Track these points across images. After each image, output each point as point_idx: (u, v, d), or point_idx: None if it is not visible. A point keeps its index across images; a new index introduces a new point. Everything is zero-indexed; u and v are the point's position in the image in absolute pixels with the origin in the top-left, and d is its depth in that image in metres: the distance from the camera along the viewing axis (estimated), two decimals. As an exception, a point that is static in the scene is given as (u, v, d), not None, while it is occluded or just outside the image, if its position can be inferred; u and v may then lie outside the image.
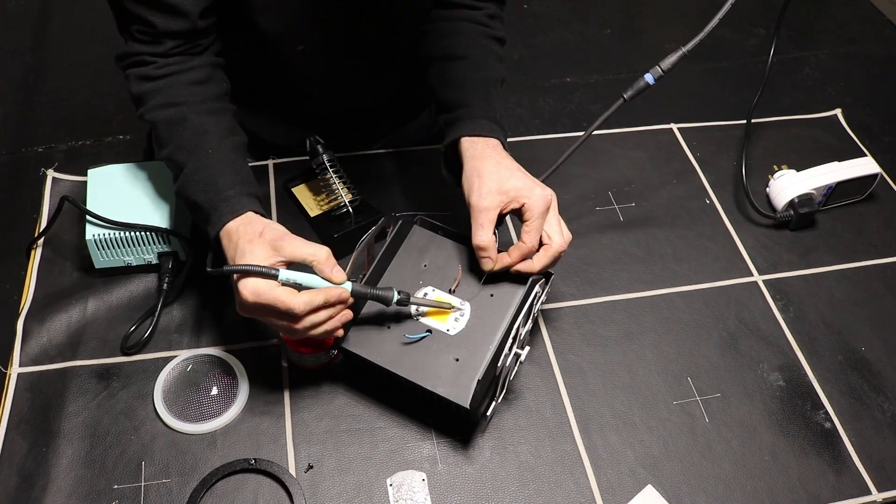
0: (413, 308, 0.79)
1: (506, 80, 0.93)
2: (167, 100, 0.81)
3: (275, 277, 0.70)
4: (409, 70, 1.02)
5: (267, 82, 0.99)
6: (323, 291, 0.71)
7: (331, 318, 0.72)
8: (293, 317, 0.69)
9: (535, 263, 0.78)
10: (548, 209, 0.78)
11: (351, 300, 0.73)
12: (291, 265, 0.72)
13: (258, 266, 0.70)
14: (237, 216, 0.75)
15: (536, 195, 0.77)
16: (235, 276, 0.70)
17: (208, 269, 0.74)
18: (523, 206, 0.77)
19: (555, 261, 0.78)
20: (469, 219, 0.78)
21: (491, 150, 0.81)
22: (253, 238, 0.72)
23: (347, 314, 0.73)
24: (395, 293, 0.74)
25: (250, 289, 0.69)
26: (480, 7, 0.95)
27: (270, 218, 0.97)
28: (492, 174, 0.78)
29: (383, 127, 1.13)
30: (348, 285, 0.73)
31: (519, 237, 0.78)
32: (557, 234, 0.78)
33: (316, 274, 0.72)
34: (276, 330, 0.74)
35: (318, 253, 0.71)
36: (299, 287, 0.71)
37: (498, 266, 0.78)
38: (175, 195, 0.83)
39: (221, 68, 0.87)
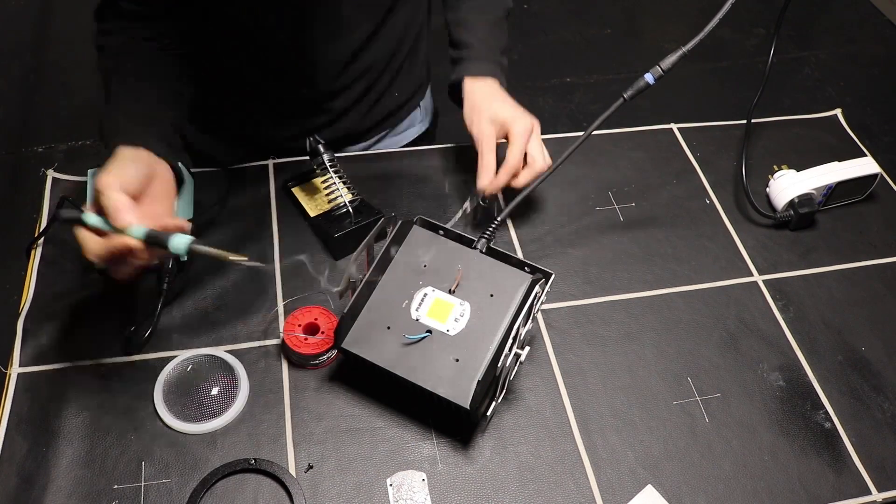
0: (415, 304, 0.79)
1: (511, 9, 1.05)
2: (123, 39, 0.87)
3: (80, 221, 0.71)
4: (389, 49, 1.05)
5: (247, 71, 1.00)
6: (105, 243, 0.69)
7: (137, 264, 0.71)
8: (96, 254, 0.70)
9: (520, 179, 0.90)
10: (530, 134, 0.90)
11: (138, 245, 0.70)
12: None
13: (68, 211, 0.71)
14: (131, 144, 0.75)
15: (519, 121, 0.90)
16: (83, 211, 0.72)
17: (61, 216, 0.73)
18: (509, 132, 0.90)
19: (535, 178, 0.89)
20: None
21: (487, 89, 0.95)
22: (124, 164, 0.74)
23: (143, 256, 0.71)
24: (181, 239, 0.71)
25: (75, 234, 0.71)
26: None
27: (269, 214, 0.97)
28: (486, 109, 0.93)
29: (375, 116, 1.13)
30: (138, 230, 0.69)
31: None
32: (539, 156, 0.90)
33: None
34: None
35: (106, 200, 0.69)
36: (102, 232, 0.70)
37: (490, 188, 0.90)
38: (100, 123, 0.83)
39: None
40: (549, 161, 0.91)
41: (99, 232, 0.70)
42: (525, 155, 0.91)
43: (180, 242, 0.71)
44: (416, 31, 1.08)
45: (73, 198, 0.90)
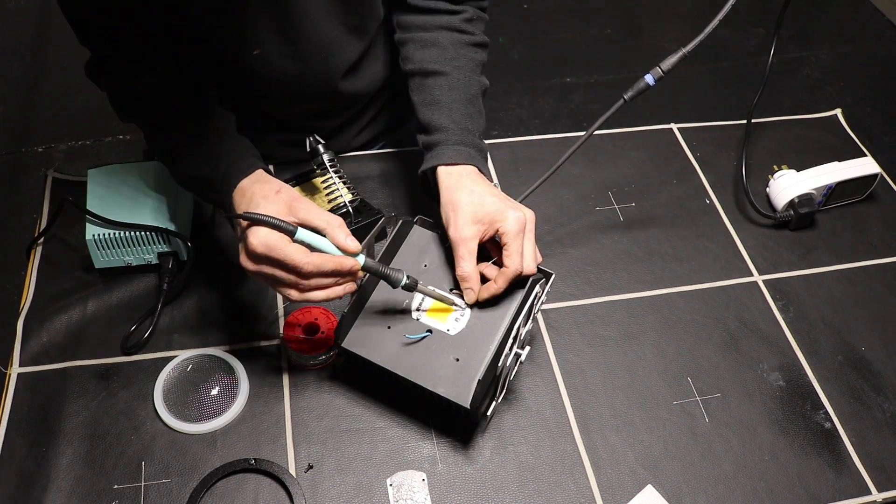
0: (415, 304, 0.79)
1: (488, 87, 0.93)
2: (140, 95, 0.84)
3: (291, 234, 0.69)
4: (375, 68, 1.01)
5: (237, 96, 0.96)
6: (335, 259, 0.70)
7: (336, 285, 0.72)
8: (299, 274, 0.69)
9: (499, 284, 0.76)
10: (523, 230, 0.76)
11: (360, 273, 0.72)
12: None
13: (278, 219, 0.69)
14: (248, 174, 0.75)
15: (510, 218, 0.76)
16: (246, 223, 0.70)
17: (225, 215, 0.73)
18: (498, 230, 0.77)
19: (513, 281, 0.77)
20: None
21: (465, 179, 0.81)
22: (269, 194, 0.72)
23: (351, 286, 0.73)
24: (405, 277, 0.74)
25: (261, 239, 0.68)
26: (458, 11, 0.93)
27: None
28: (466, 204, 0.78)
29: (368, 130, 1.11)
30: (361, 258, 0.72)
31: (501, 262, 0.77)
32: (531, 258, 0.77)
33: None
34: (272, 287, 0.73)
35: (332, 220, 0.71)
36: (311, 249, 0.71)
37: (484, 295, 0.77)
38: (177, 181, 0.84)
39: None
40: (539, 260, 0.79)
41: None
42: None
43: (404, 281, 0.74)
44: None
45: (73, 198, 0.90)
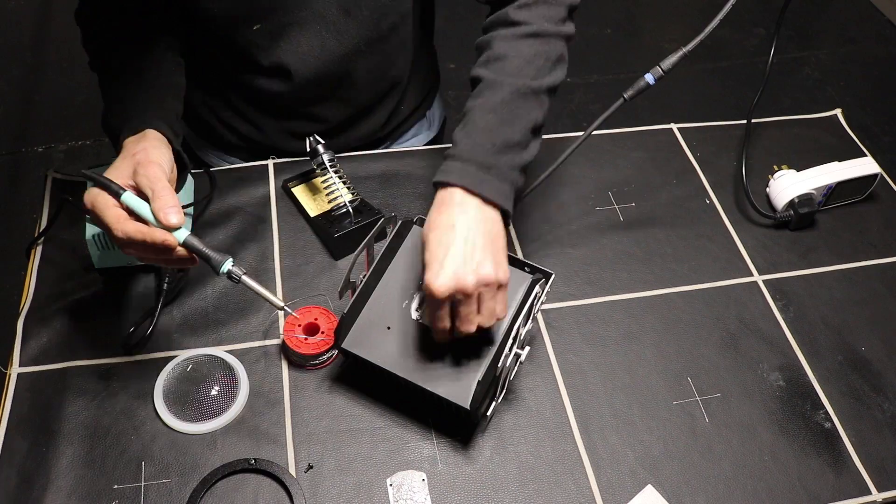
0: (415, 304, 0.79)
1: (533, 86, 0.77)
2: (110, 44, 0.85)
3: (117, 195, 0.70)
4: (381, 53, 0.98)
5: (240, 74, 0.97)
6: (144, 230, 0.69)
7: (157, 258, 0.71)
8: (115, 240, 0.70)
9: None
10: (433, 301, 0.70)
11: (181, 250, 0.70)
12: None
13: (107, 179, 0.70)
14: (135, 133, 0.75)
15: (426, 282, 0.69)
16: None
17: (81, 171, 0.74)
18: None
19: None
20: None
21: (438, 205, 0.73)
22: (127, 155, 0.73)
23: (181, 255, 0.71)
24: (230, 264, 0.71)
25: (91, 197, 0.70)
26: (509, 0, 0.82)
27: (269, 214, 0.97)
28: (423, 237, 0.72)
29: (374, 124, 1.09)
30: (182, 234, 0.70)
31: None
32: (459, 322, 0.71)
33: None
34: None
35: (160, 190, 0.69)
36: (139, 218, 0.70)
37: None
38: (102, 127, 0.84)
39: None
40: (478, 324, 0.72)
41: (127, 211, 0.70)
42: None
43: (226, 266, 0.72)
44: (414, 43, 1.02)
45: (73, 198, 0.90)
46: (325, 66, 0.95)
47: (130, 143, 0.75)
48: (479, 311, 0.72)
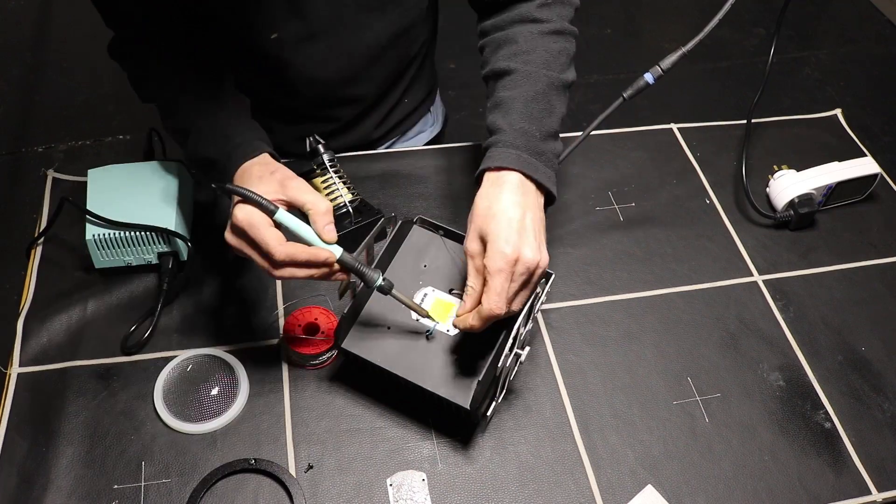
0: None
1: (568, 81, 0.83)
2: (160, 76, 0.86)
3: (272, 213, 0.69)
4: (394, 60, 1.01)
5: (255, 80, 0.98)
6: (308, 251, 0.69)
7: (311, 277, 0.70)
8: (272, 261, 0.68)
9: (471, 322, 0.71)
10: (508, 269, 0.69)
11: (336, 266, 0.71)
12: (293, 212, 0.71)
13: (260, 196, 0.69)
14: (251, 157, 0.76)
15: (494, 253, 0.69)
16: (235, 198, 0.70)
17: (213, 185, 0.72)
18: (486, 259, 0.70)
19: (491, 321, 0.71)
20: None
21: (494, 188, 0.74)
22: (264, 174, 0.73)
23: (333, 270, 0.71)
24: (381, 278, 0.72)
25: (244, 215, 0.68)
26: None
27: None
28: (477, 217, 0.73)
29: (382, 127, 1.12)
30: (337, 250, 0.70)
31: None
32: (502, 300, 0.69)
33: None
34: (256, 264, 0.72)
35: (318, 203, 0.70)
36: (290, 234, 0.70)
37: (465, 323, 0.71)
38: (187, 162, 0.85)
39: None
40: (517, 307, 0.72)
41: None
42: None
43: (379, 280, 0.72)
44: (424, 37, 1.06)
45: (73, 198, 0.90)
46: (341, 71, 0.97)
47: (254, 166, 0.74)
48: (521, 293, 0.73)
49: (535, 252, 0.71)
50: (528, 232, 0.71)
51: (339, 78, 0.99)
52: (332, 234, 0.70)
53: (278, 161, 0.77)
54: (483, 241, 0.72)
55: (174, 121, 0.85)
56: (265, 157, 0.76)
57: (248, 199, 0.69)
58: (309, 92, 0.99)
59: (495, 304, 0.69)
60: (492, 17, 0.88)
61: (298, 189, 0.71)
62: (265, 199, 0.69)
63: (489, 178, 0.76)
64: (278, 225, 0.70)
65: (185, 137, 0.83)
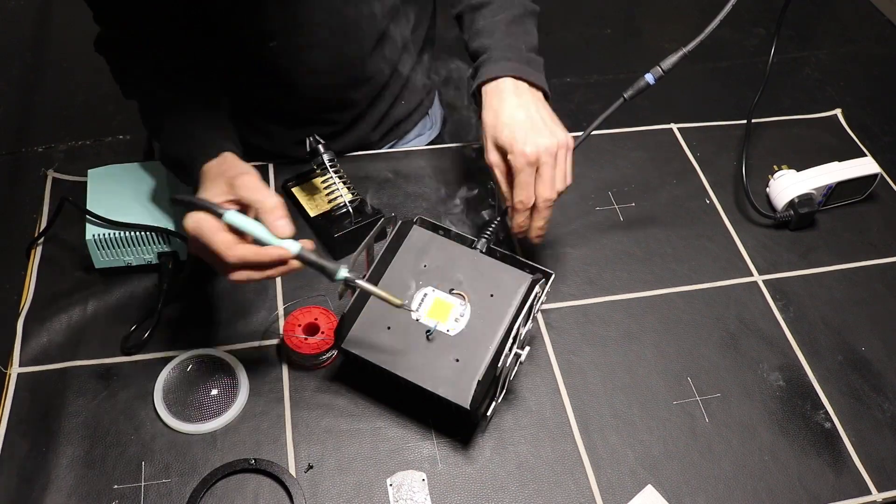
0: (415, 305, 0.79)
1: (537, 10, 0.91)
2: (141, 74, 0.86)
3: (219, 216, 0.67)
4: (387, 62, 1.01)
5: (251, 83, 0.99)
6: (258, 252, 0.67)
7: (270, 276, 0.69)
8: (226, 266, 0.67)
9: (532, 229, 0.80)
10: (530, 164, 0.76)
11: (295, 262, 0.68)
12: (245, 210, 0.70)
13: (204, 201, 0.68)
14: (213, 158, 0.75)
15: (516, 153, 0.76)
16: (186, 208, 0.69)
17: (172, 197, 0.71)
18: (510, 161, 0.77)
19: (547, 214, 0.79)
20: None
21: (494, 97, 0.81)
22: (216, 176, 0.71)
23: (292, 267, 0.69)
24: (344, 270, 0.69)
25: (194, 223, 0.67)
26: None
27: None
28: (489, 128, 0.80)
29: (378, 129, 1.11)
30: (294, 245, 0.68)
31: None
32: (539, 186, 0.77)
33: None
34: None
35: (266, 201, 0.68)
36: (243, 233, 0.68)
37: (532, 235, 0.80)
38: (162, 161, 0.85)
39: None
40: (559, 187, 0.79)
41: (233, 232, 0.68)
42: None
43: (342, 273, 0.69)
44: (422, 36, 1.06)
45: (73, 198, 0.90)
46: (338, 77, 0.98)
47: (213, 167, 0.74)
48: (552, 176, 0.78)
49: (551, 138, 0.77)
50: (538, 124, 0.78)
51: (336, 83, 0.99)
52: (284, 229, 0.68)
53: (241, 160, 0.76)
54: (501, 150, 0.78)
55: (151, 119, 0.86)
56: (225, 157, 0.75)
57: (193, 207, 0.67)
58: (306, 96, 0.99)
59: (542, 191, 0.77)
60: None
61: (246, 187, 0.69)
62: (211, 204, 0.67)
63: (487, 91, 0.82)
64: (232, 227, 0.68)
65: (158, 134, 0.83)
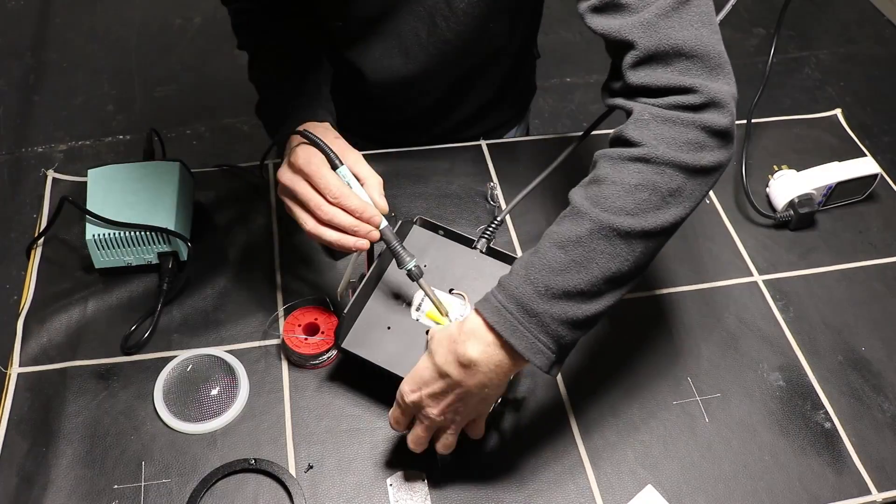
0: (415, 305, 0.79)
1: (639, 226, 0.61)
2: (259, 29, 0.93)
3: (335, 166, 0.73)
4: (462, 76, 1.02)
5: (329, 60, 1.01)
6: (359, 201, 0.72)
7: (350, 228, 0.72)
8: (321, 199, 0.72)
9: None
10: (397, 405, 0.70)
11: (375, 233, 0.74)
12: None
13: (330, 147, 0.73)
14: (314, 121, 0.81)
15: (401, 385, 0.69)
16: (295, 141, 0.76)
17: (299, 130, 0.77)
18: None
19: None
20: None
21: (460, 325, 0.66)
22: (327, 136, 0.76)
23: (363, 243, 0.73)
24: (413, 263, 0.75)
25: (307, 154, 0.73)
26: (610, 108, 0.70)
27: (269, 214, 0.98)
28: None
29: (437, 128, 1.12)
30: (384, 222, 0.75)
31: None
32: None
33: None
34: (293, 212, 0.75)
35: (372, 176, 0.75)
36: None
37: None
38: (256, 111, 0.91)
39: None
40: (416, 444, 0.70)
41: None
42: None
43: (411, 264, 0.75)
44: (507, 68, 1.06)
45: (73, 198, 0.90)
46: (400, 80, 0.99)
47: (318, 129, 0.78)
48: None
49: (425, 434, 0.68)
50: (423, 374, 0.66)
51: (393, 84, 1.00)
52: (384, 203, 0.75)
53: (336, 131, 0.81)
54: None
55: (257, 70, 0.91)
56: (328, 126, 0.81)
57: (316, 146, 0.73)
58: (364, 85, 1.01)
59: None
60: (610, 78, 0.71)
61: (357, 161, 0.75)
62: (332, 150, 0.73)
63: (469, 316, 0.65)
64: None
65: (261, 86, 0.89)
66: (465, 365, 0.63)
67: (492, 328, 0.62)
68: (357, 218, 0.72)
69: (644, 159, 0.62)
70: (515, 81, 1.12)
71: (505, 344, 0.62)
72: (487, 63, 1.02)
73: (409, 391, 0.67)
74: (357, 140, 0.86)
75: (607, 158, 0.64)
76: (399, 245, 0.75)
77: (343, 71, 1.01)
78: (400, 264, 0.75)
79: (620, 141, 0.65)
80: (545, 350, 0.62)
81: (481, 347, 0.62)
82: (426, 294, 0.76)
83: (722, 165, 0.64)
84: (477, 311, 0.64)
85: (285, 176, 0.74)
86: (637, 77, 0.65)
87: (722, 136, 0.64)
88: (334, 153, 0.73)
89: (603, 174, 0.63)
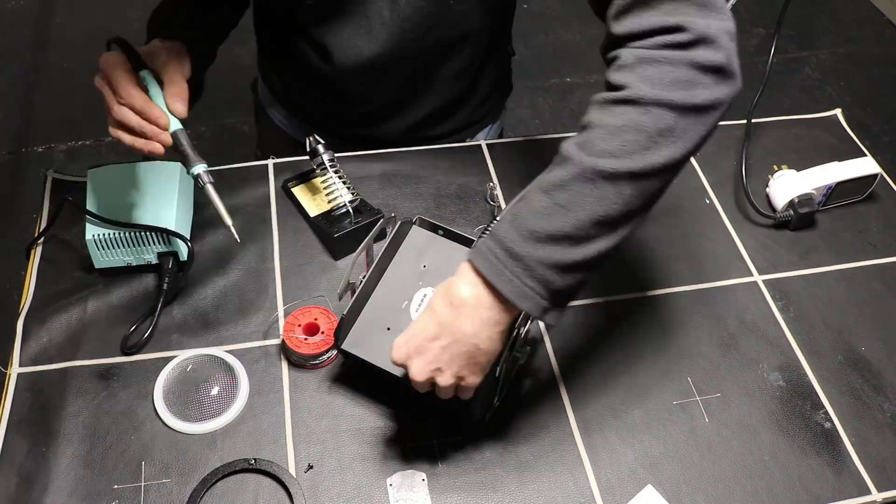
0: (414, 305, 0.79)
1: (624, 167, 0.61)
2: None
3: (136, 68, 0.76)
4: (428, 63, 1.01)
5: (294, 41, 1.00)
6: (145, 101, 0.74)
7: (139, 128, 0.75)
8: (114, 100, 0.74)
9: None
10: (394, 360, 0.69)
11: (165, 136, 0.75)
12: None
13: (133, 49, 0.77)
14: (170, 40, 0.83)
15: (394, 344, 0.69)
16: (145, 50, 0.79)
17: (113, 38, 0.79)
18: None
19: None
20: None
21: (449, 279, 0.67)
22: (157, 44, 0.81)
23: (155, 147, 0.75)
24: (202, 167, 0.76)
25: (109, 57, 0.76)
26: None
27: (269, 214, 0.98)
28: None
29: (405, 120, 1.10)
30: (176, 124, 0.76)
31: None
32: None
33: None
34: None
35: (176, 81, 0.77)
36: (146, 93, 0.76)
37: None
38: (150, 19, 0.91)
39: None
40: (420, 376, 0.67)
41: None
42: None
43: (198, 169, 0.76)
44: (480, 56, 1.05)
45: (73, 198, 0.90)
46: (364, 61, 0.97)
47: (166, 44, 0.82)
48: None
49: (420, 374, 0.66)
50: (418, 337, 0.66)
51: (362, 64, 0.97)
52: (178, 107, 0.76)
53: (193, 65, 0.83)
54: None
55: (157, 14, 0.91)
56: (177, 45, 0.83)
57: (125, 48, 0.76)
58: (332, 67, 0.99)
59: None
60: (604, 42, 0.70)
61: (169, 68, 0.77)
62: (136, 54, 0.76)
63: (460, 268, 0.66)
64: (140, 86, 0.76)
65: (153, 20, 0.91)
66: (456, 305, 0.64)
67: (479, 272, 0.63)
68: (144, 119, 0.74)
69: (628, 101, 0.62)
70: (487, 77, 1.10)
71: (493, 289, 0.63)
72: (453, 49, 1.00)
73: (409, 337, 0.67)
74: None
75: (594, 103, 0.64)
76: (190, 148, 0.76)
77: (310, 57, 0.99)
78: (186, 167, 0.76)
79: (607, 86, 0.65)
80: (532, 294, 0.62)
81: (471, 289, 0.64)
82: (212, 201, 0.77)
83: (720, 102, 0.64)
84: (469, 259, 0.65)
85: (95, 79, 0.77)
86: (622, 26, 0.64)
87: (717, 72, 0.63)
88: (137, 55, 0.76)
89: (589, 119, 0.63)
